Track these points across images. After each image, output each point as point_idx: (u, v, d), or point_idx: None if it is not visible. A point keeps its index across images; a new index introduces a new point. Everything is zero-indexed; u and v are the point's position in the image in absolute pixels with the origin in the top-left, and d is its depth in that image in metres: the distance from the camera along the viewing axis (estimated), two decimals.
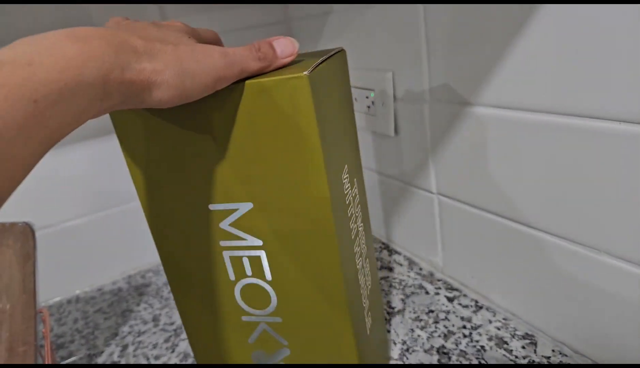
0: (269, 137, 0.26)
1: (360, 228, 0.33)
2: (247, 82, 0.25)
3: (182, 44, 0.23)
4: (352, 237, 0.31)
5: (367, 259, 0.35)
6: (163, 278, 0.63)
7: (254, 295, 0.31)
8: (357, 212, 0.32)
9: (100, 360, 0.48)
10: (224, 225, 0.29)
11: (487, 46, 0.35)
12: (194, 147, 0.28)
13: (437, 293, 0.49)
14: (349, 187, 0.31)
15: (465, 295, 0.47)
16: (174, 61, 0.22)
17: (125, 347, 0.50)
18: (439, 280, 0.51)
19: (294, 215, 0.28)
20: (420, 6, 0.40)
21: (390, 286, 0.51)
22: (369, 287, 0.35)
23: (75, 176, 0.59)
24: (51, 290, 0.62)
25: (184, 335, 0.50)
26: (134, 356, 0.48)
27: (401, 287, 0.51)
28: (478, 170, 0.41)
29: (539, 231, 0.37)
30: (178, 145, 0.28)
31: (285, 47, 0.27)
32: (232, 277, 0.31)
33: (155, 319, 0.54)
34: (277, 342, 0.33)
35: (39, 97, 0.16)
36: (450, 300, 0.47)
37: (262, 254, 0.30)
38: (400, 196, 0.53)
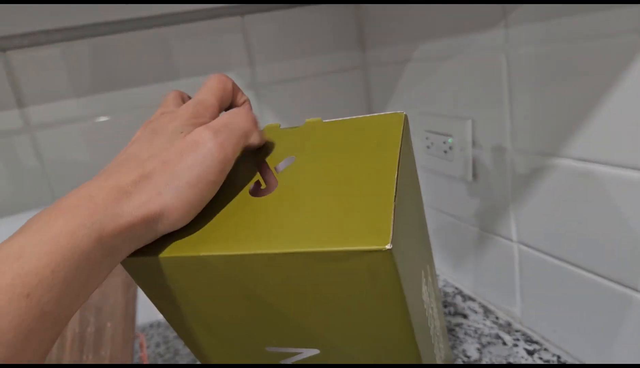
0: (341, 301, 0.22)
1: (436, 324, 0.31)
2: (308, 251, 0.20)
3: (171, 150, 0.21)
4: (432, 339, 0.29)
5: (441, 337, 0.33)
6: None
7: None
8: (432, 308, 0.30)
9: None
10: (285, 361, 0.26)
11: (577, 93, 0.36)
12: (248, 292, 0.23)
13: (516, 345, 0.47)
14: (427, 297, 0.28)
15: (546, 349, 0.45)
16: (166, 179, 0.20)
17: None
18: (517, 331, 0.49)
19: (371, 352, 0.24)
20: (503, 55, 0.41)
21: (465, 334, 0.50)
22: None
23: None
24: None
25: None
26: None
27: (477, 335, 0.50)
28: (563, 222, 0.40)
29: (630, 289, 0.35)
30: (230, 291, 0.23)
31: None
32: None
33: None
34: None
35: (31, 290, 0.16)
36: (530, 353, 0.46)
37: None
38: (476, 241, 0.53)
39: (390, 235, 0.19)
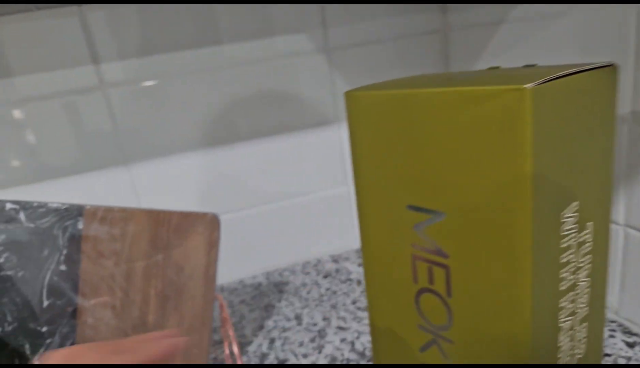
0: (474, 151, 0.25)
1: (581, 283, 0.29)
2: (456, 89, 0.24)
3: None
4: (561, 288, 0.28)
5: (586, 324, 0.30)
6: (300, 278, 0.65)
7: (432, 307, 0.30)
8: (580, 262, 0.28)
9: (250, 350, 0.50)
10: (418, 228, 0.29)
11: None
12: (408, 142, 0.28)
13: (612, 336, 0.43)
14: (573, 229, 0.27)
15: None
16: None
17: (272, 340, 0.52)
18: (612, 322, 0.45)
19: (486, 241, 0.26)
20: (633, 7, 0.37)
21: None
22: (578, 357, 0.31)
23: (238, 173, 0.64)
24: None
25: (329, 338, 0.50)
26: (282, 351, 0.50)
27: None
28: None
29: None
30: (399, 136, 0.29)
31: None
32: (415, 281, 0.31)
33: (298, 318, 0.56)
34: (445, 362, 0.32)
35: None
36: (630, 345, 0.42)
37: (447, 269, 0.29)
38: None
39: (536, 82, 0.21)
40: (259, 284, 0.65)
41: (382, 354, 0.36)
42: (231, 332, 0.37)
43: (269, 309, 0.59)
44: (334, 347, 0.49)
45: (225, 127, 0.61)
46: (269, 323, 0.55)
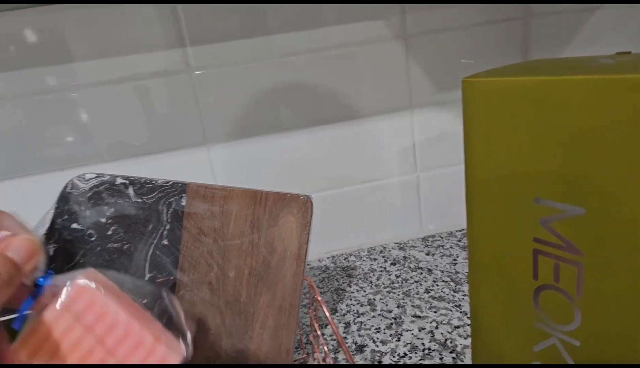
0: (624, 144, 0.23)
1: None
2: (611, 77, 0.23)
3: None
4: None
5: None
6: (367, 263, 0.65)
7: (556, 305, 0.29)
8: None
9: (327, 332, 0.51)
10: (544, 222, 0.28)
11: None
12: (542, 132, 0.27)
13: None
14: None
15: None
16: None
17: (347, 324, 0.52)
18: None
19: (628, 241, 0.24)
20: None
21: None
22: None
23: (305, 158, 0.64)
24: None
25: (405, 326, 0.50)
26: (359, 336, 0.50)
27: None
28: None
29: None
30: (529, 125, 0.27)
31: (21, 249, 0.22)
32: (535, 278, 0.30)
33: (371, 303, 0.55)
34: (565, 363, 0.30)
35: None
36: None
37: (579, 267, 0.27)
38: None
39: None
40: (326, 267, 0.66)
41: (485, 350, 0.35)
42: (327, 314, 0.37)
43: (339, 293, 0.59)
44: (412, 336, 0.48)
45: (300, 112, 0.61)
46: (342, 307, 0.56)
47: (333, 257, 0.69)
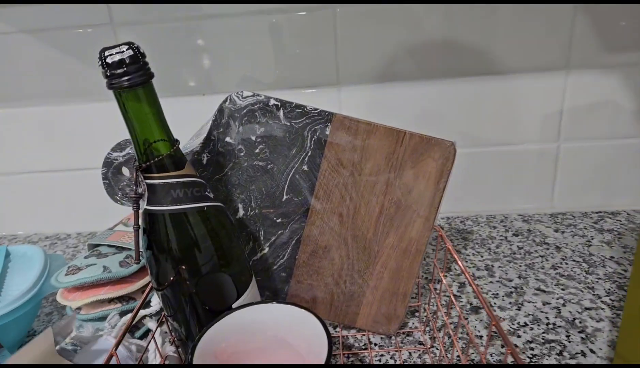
0: None
1: None
2: None
3: None
4: None
5: None
6: (485, 230, 0.62)
7: None
8: None
9: (440, 288, 0.50)
10: None
11: None
12: None
13: None
14: None
15: None
16: None
17: (462, 284, 0.51)
18: None
19: None
20: None
21: None
22: None
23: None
24: None
25: (527, 297, 0.47)
26: (475, 298, 0.48)
27: None
28: None
29: None
30: None
31: None
32: None
33: (489, 269, 0.53)
34: None
35: None
36: None
37: None
38: None
39: None
40: (440, 227, 0.64)
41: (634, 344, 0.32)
42: (460, 263, 0.36)
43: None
44: (535, 308, 0.46)
45: (438, 63, 0.58)
46: (456, 267, 0.54)
47: (448, 218, 0.66)
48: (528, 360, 0.39)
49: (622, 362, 0.33)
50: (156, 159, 0.30)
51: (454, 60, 0.58)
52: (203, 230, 0.33)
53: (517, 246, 0.57)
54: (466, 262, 0.55)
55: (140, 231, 0.32)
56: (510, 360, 0.39)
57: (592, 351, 0.39)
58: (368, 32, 0.57)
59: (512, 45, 0.57)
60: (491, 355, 0.40)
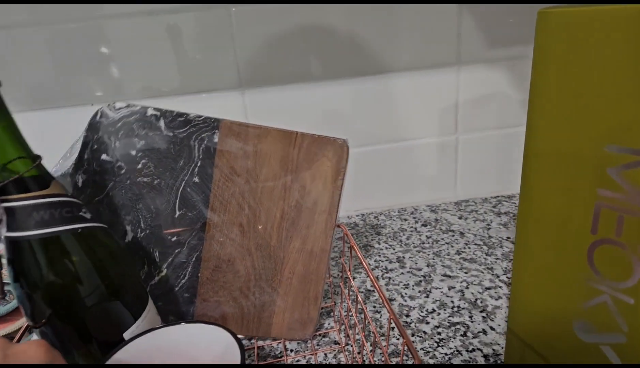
0: None
1: None
2: None
3: None
4: None
5: None
6: (397, 223, 0.64)
7: (612, 261, 0.27)
8: None
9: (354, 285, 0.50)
10: (613, 172, 0.25)
11: None
12: (628, 71, 0.24)
13: None
14: None
15: None
16: None
17: (375, 278, 0.51)
18: None
19: None
20: None
21: None
22: None
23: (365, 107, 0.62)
24: None
25: (435, 284, 0.49)
26: (388, 290, 0.49)
27: None
28: None
29: None
30: (615, 63, 0.24)
31: None
32: (593, 231, 0.27)
33: (400, 261, 0.54)
34: (615, 322, 0.28)
35: None
36: None
37: None
38: None
39: None
40: (355, 224, 0.65)
41: (525, 307, 0.33)
42: (364, 263, 0.36)
43: (368, 249, 0.58)
44: (441, 293, 0.47)
45: (339, 63, 0.59)
46: (370, 262, 0.55)
47: (362, 214, 0.67)
48: (435, 344, 0.40)
49: (512, 336, 0.35)
50: (12, 178, 0.27)
51: (354, 60, 0.59)
52: (80, 255, 0.30)
53: (426, 236, 0.59)
54: (379, 255, 0.56)
55: (4, 261, 0.29)
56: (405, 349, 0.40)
57: (492, 328, 0.41)
58: (266, 33, 0.56)
59: (407, 44, 0.59)
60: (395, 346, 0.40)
